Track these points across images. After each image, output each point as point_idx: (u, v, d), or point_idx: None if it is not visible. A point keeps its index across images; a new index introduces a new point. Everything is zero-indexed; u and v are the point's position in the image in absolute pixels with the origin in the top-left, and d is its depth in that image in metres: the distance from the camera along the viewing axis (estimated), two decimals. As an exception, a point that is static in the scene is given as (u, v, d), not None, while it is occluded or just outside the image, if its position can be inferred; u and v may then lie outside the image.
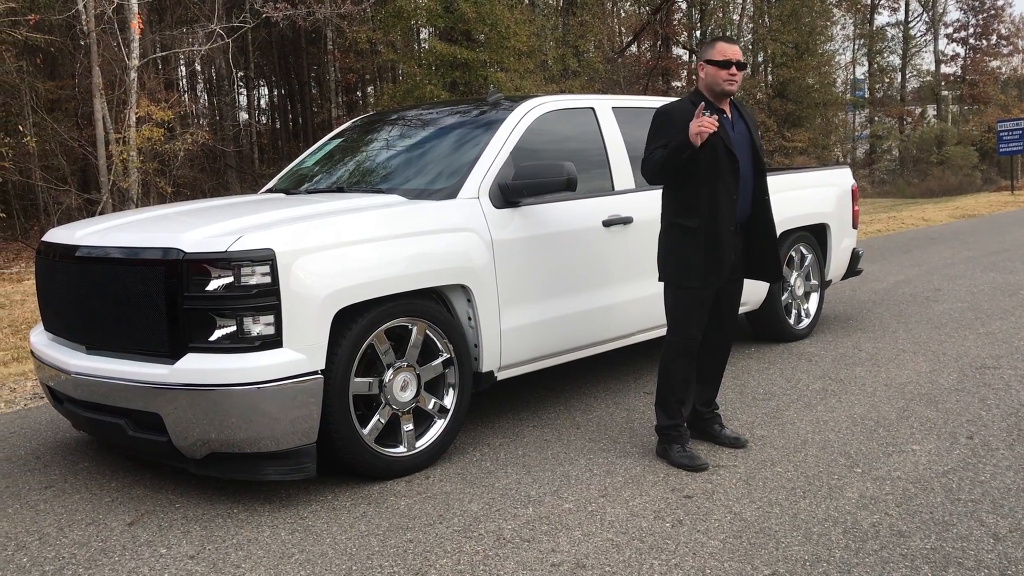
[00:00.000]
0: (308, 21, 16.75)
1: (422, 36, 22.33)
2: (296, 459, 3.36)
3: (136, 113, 13.08)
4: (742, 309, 5.10)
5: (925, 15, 41.68)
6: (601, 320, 4.58)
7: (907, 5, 40.20)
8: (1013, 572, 2.71)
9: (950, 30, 43.75)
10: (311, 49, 24.83)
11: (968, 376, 4.98)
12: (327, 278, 3.37)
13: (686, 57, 32.04)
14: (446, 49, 17.27)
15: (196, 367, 3.23)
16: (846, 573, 2.74)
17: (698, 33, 30.97)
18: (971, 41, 43.84)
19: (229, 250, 3.23)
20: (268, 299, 3.24)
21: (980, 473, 3.52)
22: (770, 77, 30.36)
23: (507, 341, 4.08)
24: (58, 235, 4.01)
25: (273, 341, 3.25)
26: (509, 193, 4.11)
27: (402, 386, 3.68)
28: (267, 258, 3.24)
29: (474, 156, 4.23)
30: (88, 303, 3.59)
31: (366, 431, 3.55)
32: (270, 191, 5.10)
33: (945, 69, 43.65)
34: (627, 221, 4.66)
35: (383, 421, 3.63)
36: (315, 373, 3.33)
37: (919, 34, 41.83)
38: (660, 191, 3.88)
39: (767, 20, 29.51)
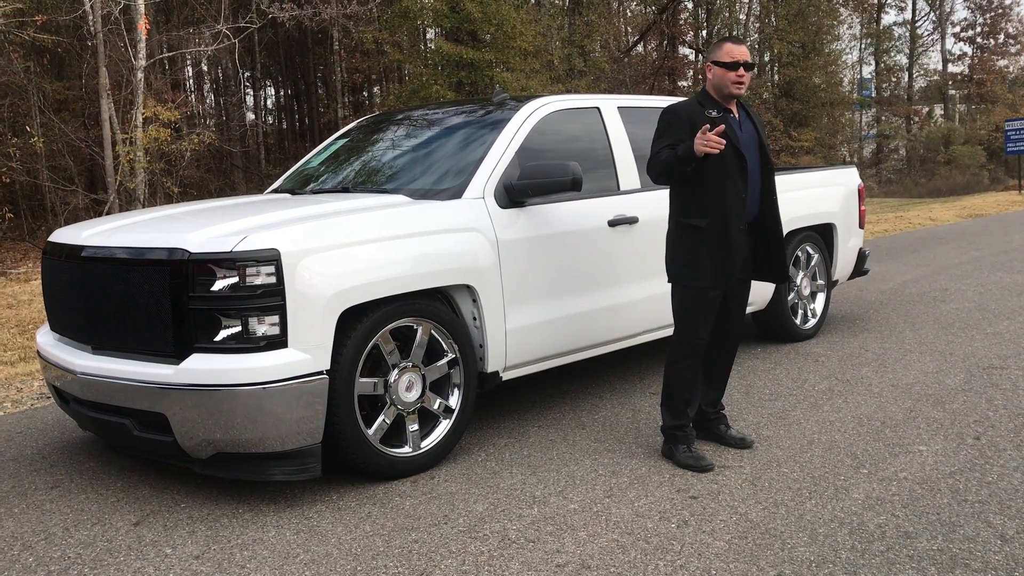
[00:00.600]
0: (314, 21, 16.77)
1: (428, 36, 22.35)
2: (301, 459, 3.36)
3: (143, 113, 13.11)
4: (748, 309, 5.08)
5: (932, 14, 41.60)
6: (606, 320, 4.57)
7: (914, 4, 40.17)
8: (1020, 574, 2.70)
9: (957, 29, 43.77)
10: (317, 49, 24.88)
11: (975, 376, 4.96)
12: (332, 278, 3.37)
13: (692, 57, 32.00)
14: (452, 49, 17.31)
15: (201, 367, 3.23)
16: (852, 574, 2.73)
17: (704, 33, 30.95)
18: (978, 40, 43.70)
19: (234, 250, 3.23)
20: (273, 299, 3.24)
21: (987, 474, 3.50)
22: (776, 76, 30.30)
23: (512, 341, 4.07)
24: (64, 235, 4.02)
25: (278, 341, 3.25)
26: (514, 193, 4.10)
27: (407, 386, 3.68)
28: (272, 258, 3.25)
29: (479, 156, 4.22)
30: (94, 303, 3.60)
31: (371, 431, 3.55)
32: (276, 191, 5.11)
33: (952, 68, 43.60)
34: (632, 221, 4.65)
35: (388, 421, 3.63)
36: (320, 373, 3.33)
37: (926, 33, 41.81)
38: (667, 191, 3.87)
39: (773, 19, 29.47)
